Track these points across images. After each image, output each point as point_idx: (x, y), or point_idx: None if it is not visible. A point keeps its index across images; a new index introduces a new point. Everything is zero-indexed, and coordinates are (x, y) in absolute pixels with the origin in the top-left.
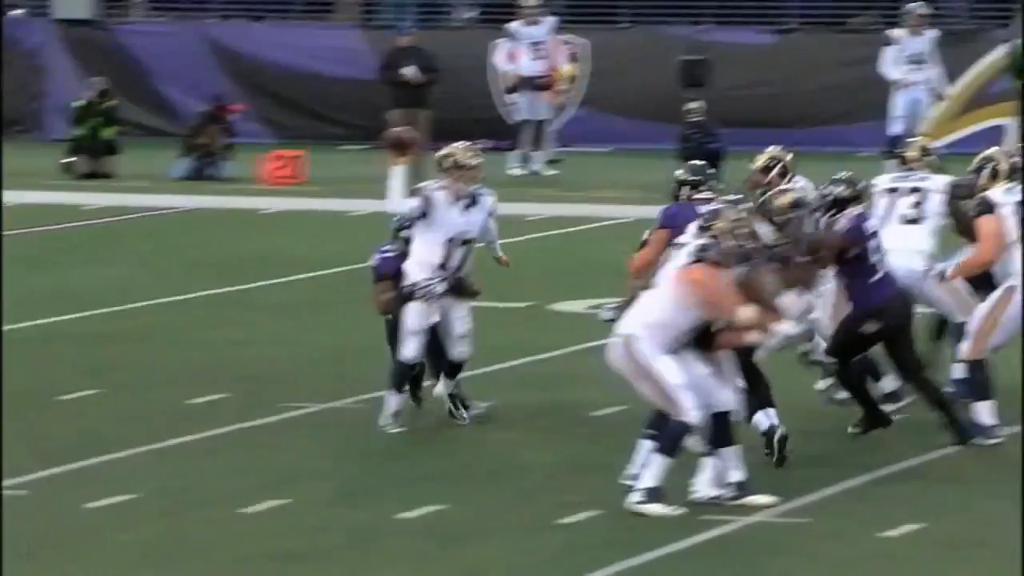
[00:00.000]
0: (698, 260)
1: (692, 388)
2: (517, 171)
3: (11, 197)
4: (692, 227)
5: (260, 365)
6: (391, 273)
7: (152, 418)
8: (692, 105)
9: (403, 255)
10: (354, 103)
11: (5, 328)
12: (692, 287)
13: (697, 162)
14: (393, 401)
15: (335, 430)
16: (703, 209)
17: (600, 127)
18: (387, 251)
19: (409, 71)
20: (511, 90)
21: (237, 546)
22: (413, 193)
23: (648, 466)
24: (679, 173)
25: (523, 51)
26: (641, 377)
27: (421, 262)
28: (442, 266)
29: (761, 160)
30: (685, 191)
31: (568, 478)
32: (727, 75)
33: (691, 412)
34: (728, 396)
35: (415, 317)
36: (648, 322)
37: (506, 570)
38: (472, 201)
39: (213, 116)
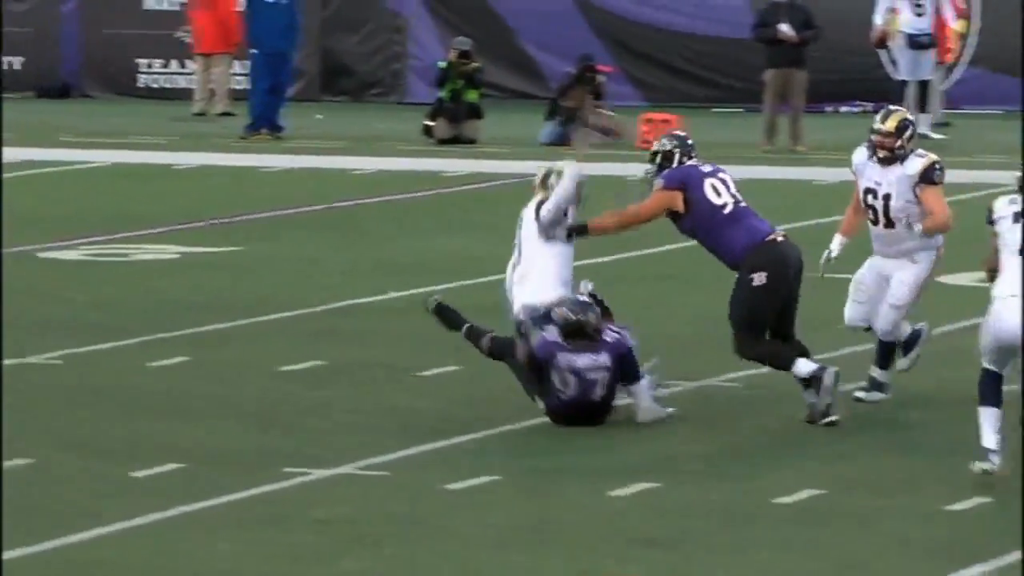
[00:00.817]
0: None
1: None
2: None
3: (370, 163)
4: None
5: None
6: None
7: (514, 398)
8: None
9: None
10: (728, 63)
11: (365, 299)
12: None
13: None
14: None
15: (705, 409)
16: None
17: (991, 88)
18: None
19: (785, 28)
20: (881, 45)
21: (603, 530)
22: None
23: None
24: None
25: (906, 6)
26: None
27: None
28: None
29: None
30: None
31: (953, 460)
32: None
33: None
34: None
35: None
36: None
37: (886, 558)
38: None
39: (581, 78)
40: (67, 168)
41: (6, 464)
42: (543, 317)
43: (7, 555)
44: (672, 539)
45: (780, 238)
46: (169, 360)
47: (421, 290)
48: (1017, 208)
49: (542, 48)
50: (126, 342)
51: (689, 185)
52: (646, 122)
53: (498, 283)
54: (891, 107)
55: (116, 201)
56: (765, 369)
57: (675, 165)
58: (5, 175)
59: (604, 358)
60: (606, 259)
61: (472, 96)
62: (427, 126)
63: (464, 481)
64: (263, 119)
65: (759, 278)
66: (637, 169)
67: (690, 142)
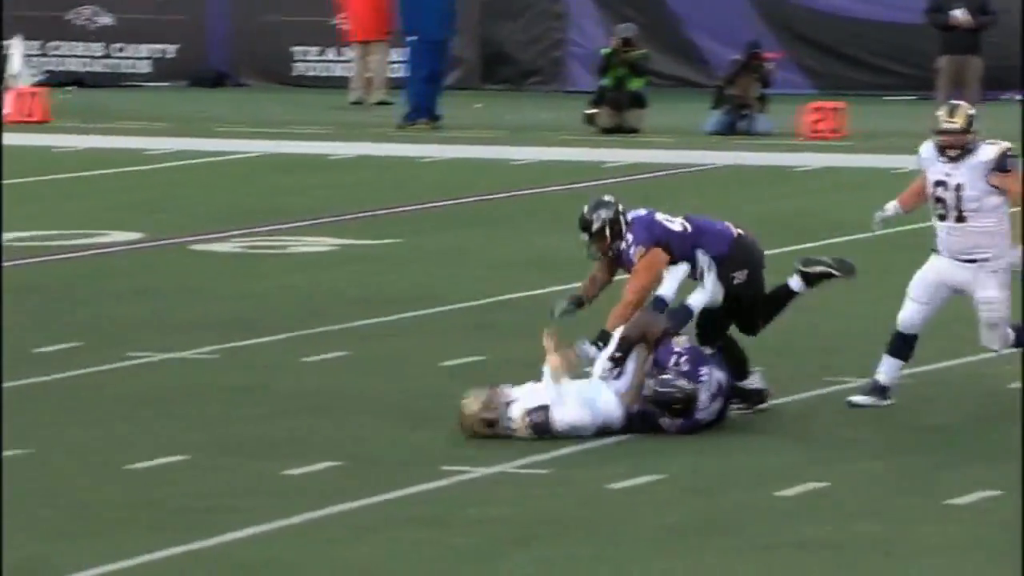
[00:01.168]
0: None
1: None
2: None
3: (530, 153)
4: None
5: (797, 334)
6: None
7: None
8: None
9: None
10: (899, 49)
11: (523, 293)
12: None
13: None
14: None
15: (877, 407)
16: None
17: None
18: None
19: (960, 14)
20: None
21: (767, 531)
22: None
23: None
24: None
25: None
26: None
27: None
28: None
29: None
30: None
31: None
32: None
33: None
34: None
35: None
36: None
37: None
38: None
39: (747, 65)
40: (221, 158)
41: (161, 460)
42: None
43: (160, 554)
44: (840, 541)
45: (742, 232)
46: (326, 355)
47: (577, 284)
48: None
49: (708, 35)
50: (281, 336)
51: (656, 232)
52: (815, 110)
53: None
54: (953, 102)
55: (271, 192)
56: (939, 364)
57: (624, 227)
58: (159, 165)
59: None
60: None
61: (636, 84)
62: (589, 115)
63: (625, 481)
64: (421, 108)
65: (740, 276)
66: None
67: (611, 198)
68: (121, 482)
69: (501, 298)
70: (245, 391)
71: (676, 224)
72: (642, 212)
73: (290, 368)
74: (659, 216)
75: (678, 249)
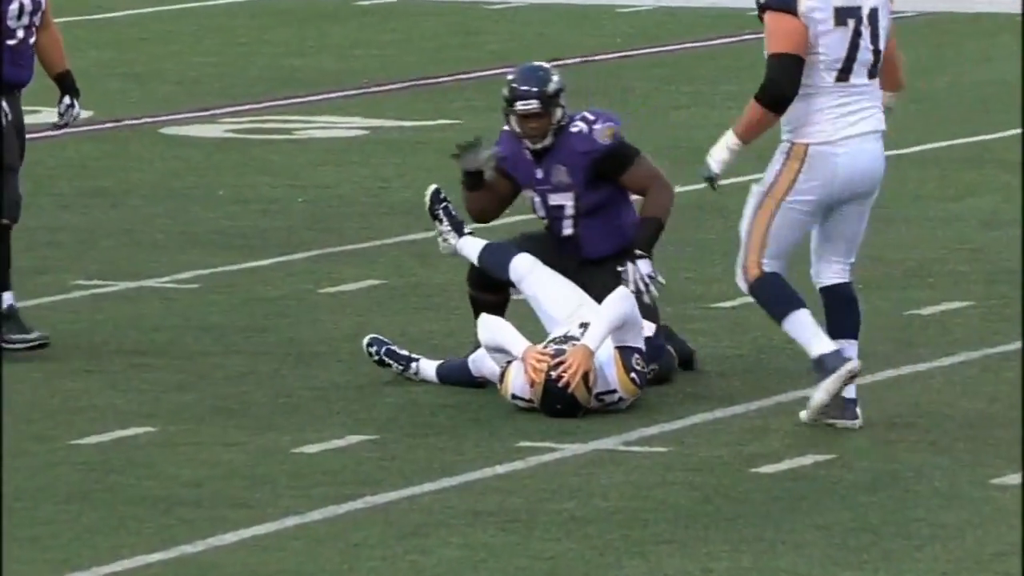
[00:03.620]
0: None
1: None
2: None
3: None
4: None
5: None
6: None
7: None
8: None
9: None
10: None
11: None
12: None
13: None
14: None
15: None
16: None
17: None
18: None
19: None
20: None
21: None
22: None
23: None
24: None
25: None
26: None
27: None
28: None
29: None
30: None
31: None
32: None
33: None
34: None
35: None
36: None
37: None
38: None
39: None
40: (206, 3)
41: (120, 433)
42: None
43: (119, 566)
44: None
45: None
46: (351, 285)
47: None
48: None
49: None
50: (289, 257)
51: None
52: None
53: None
54: None
55: (275, 53)
56: None
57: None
58: (118, 14)
59: None
60: None
61: None
62: None
63: (774, 463)
64: None
65: None
66: None
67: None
68: (69, 461)
69: None
70: (238, 334)
71: None
72: None
73: (301, 302)
74: None
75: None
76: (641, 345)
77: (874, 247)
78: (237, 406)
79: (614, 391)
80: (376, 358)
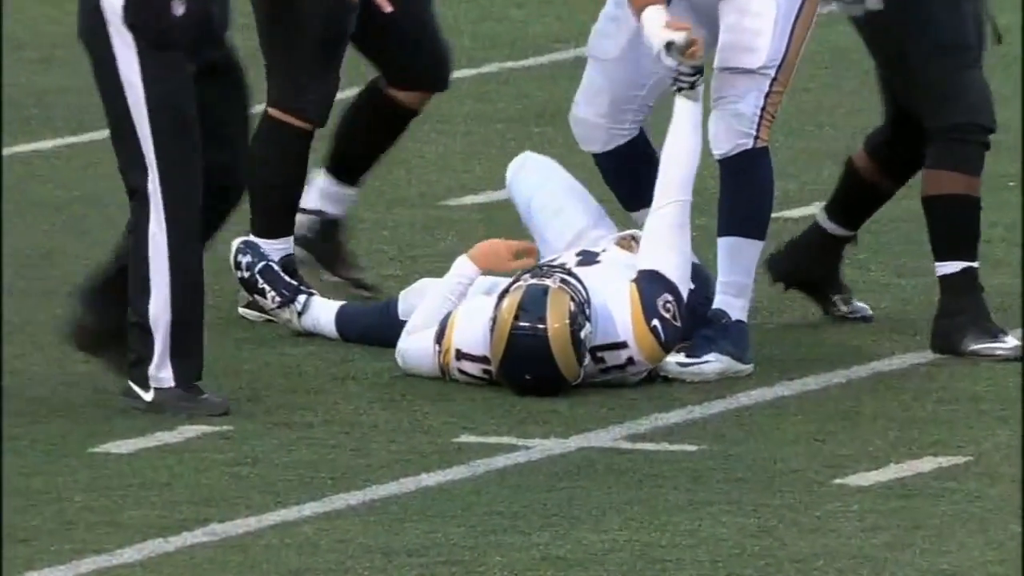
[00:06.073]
0: None
1: None
2: None
3: None
4: None
5: None
6: None
7: None
8: None
9: None
10: None
11: None
12: None
13: None
14: None
15: None
16: None
17: None
18: None
19: None
20: None
21: None
22: None
23: None
24: None
25: None
26: None
27: None
28: None
29: None
30: None
31: None
32: None
33: None
34: None
35: None
36: None
37: None
38: None
39: None
40: None
41: None
42: None
43: None
44: None
45: None
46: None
47: None
48: None
49: None
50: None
51: None
52: None
53: None
54: None
55: None
56: None
57: None
58: None
59: None
60: None
61: None
62: None
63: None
64: None
65: None
66: None
67: None
68: None
69: None
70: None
71: None
72: None
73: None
74: None
75: None
76: (677, 281)
77: None
78: None
79: (623, 345)
80: (246, 275)
